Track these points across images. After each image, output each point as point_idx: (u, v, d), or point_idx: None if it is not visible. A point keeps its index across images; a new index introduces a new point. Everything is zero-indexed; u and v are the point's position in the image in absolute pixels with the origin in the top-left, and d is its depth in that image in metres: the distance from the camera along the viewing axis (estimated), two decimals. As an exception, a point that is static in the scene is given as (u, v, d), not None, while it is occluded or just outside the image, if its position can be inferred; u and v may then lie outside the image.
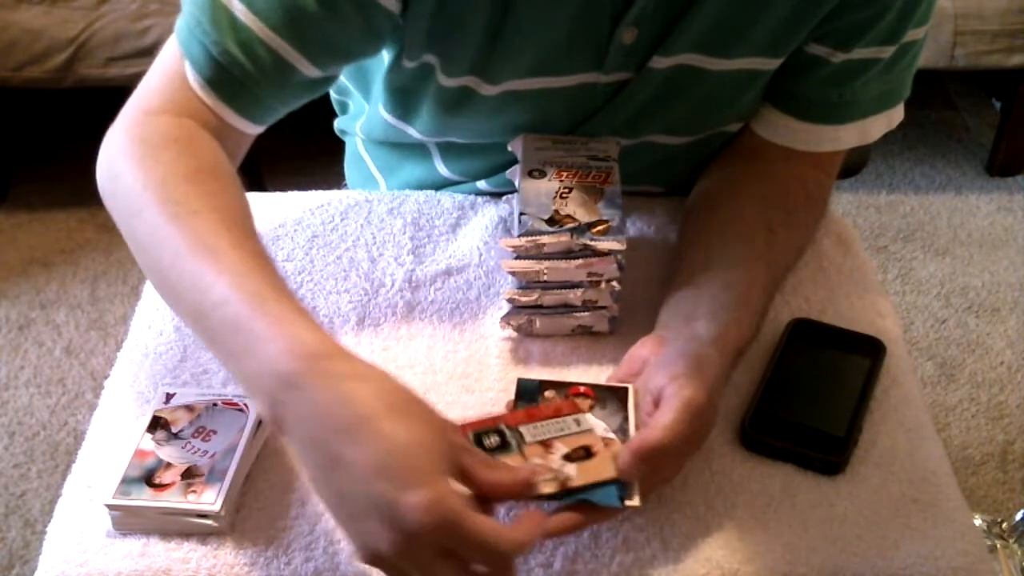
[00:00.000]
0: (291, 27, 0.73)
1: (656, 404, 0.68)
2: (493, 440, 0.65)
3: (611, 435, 0.68)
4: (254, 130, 0.79)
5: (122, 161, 0.73)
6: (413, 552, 0.55)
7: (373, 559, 0.57)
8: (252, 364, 0.60)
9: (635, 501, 0.64)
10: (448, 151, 0.96)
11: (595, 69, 0.82)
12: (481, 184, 0.97)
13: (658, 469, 0.66)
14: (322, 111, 1.08)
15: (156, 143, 0.73)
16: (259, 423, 0.72)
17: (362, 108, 0.99)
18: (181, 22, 0.76)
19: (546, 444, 0.66)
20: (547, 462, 0.65)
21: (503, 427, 0.67)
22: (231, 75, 0.74)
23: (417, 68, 0.82)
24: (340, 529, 0.63)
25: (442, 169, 0.97)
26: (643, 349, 0.74)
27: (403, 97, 0.87)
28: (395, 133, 0.93)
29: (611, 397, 0.71)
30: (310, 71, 0.76)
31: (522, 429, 0.67)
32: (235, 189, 0.73)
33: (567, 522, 0.64)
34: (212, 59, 0.74)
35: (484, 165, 0.95)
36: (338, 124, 1.09)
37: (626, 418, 0.70)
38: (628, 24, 0.78)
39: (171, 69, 0.76)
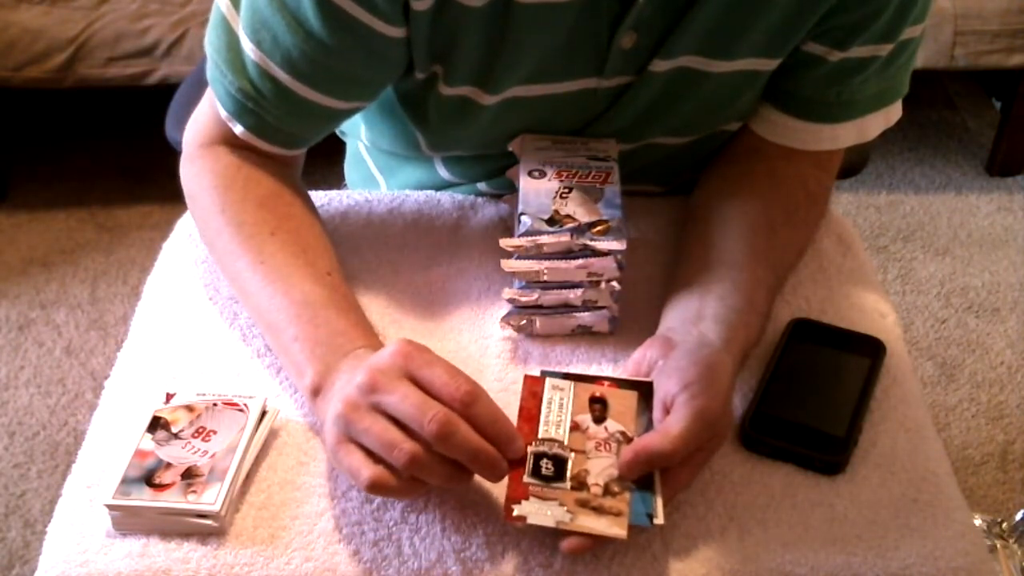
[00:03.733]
0: (297, 66, 0.77)
1: (667, 410, 0.68)
2: (548, 467, 0.67)
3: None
4: (293, 153, 0.87)
5: (195, 183, 0.86)
6: (379, 381, 0.64)
7: (344, 414, 0.65)
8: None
9: (660, 519, 0.65)
10: (448, 164, 0.96)
11: (595, 75, 0.82)
12: (481, 185, 0.97)
13: (674, 477, 0.67)
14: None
15: (223, 173, 0.84)
16: (259, 423, 0.72)
17: (365, 118, 0.99)
18: (208, 63, 0.84)
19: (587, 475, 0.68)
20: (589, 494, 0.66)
21: (565, 454, 0.68)
22: (250, 109, 0.81)
23: (425, 78, 0.82)
24: (327, 436, 0.68)
25: (443, 172, 0.97)
26: (650, 350, 0.74)
27: (410, 104, 0.87)
28: (403, 139, 0.92)
29: (635, 392, 0.72)
30: (329, 102, 0.81)
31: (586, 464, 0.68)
32: (302, 209, 0.84)
33: (588, 543, 0.65)
34: (232, 97, 0.81)
35: (484, 169, 0.95)
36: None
37: (650, 420, 0.70)
38: (627, 29, 0.78)
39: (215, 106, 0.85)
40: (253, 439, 0.71)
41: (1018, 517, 1.37)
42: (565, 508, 0.65)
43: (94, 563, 0.66)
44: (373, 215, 0.93)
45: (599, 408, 0.70)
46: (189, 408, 0.73)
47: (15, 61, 2.03)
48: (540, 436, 0.68)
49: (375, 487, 0.64)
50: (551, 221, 0.78)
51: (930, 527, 0.69)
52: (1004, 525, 1.36)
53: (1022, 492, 1.69)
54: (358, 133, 1.02)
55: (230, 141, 0.85)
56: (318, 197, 0.95)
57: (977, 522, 1.35)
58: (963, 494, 0.72)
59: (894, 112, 0.88)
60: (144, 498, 0.67)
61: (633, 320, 0.82)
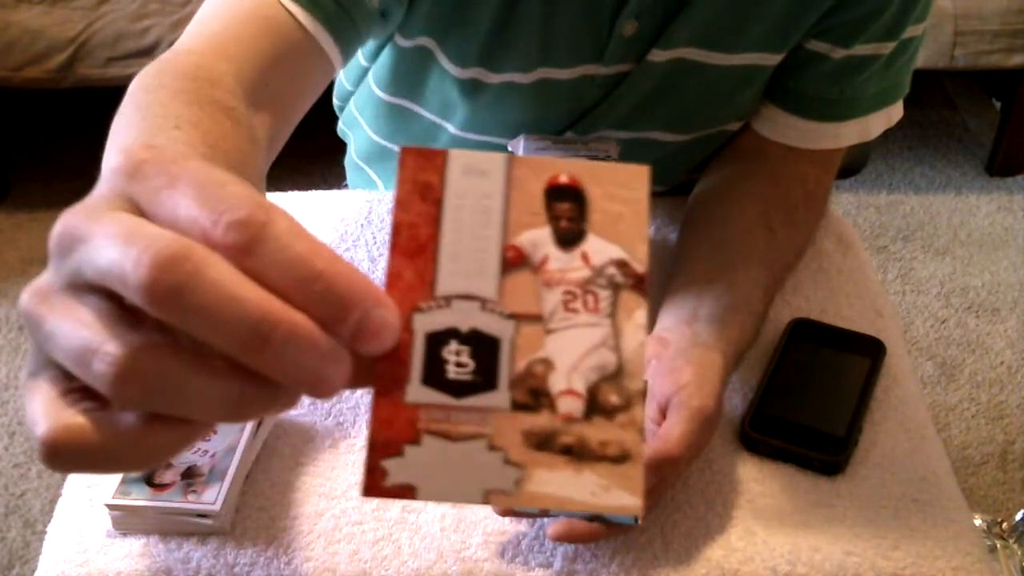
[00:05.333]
0: None
1: (662, 412, 0.68)
2: (459, 361, 0.33)
3: None
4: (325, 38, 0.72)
5: (130, 90, 0.63)
6: (76, 228, 0.32)
7: (27, 314, 0.35)
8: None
9: (640, 516, 0.64)
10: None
11: (595, 61, 0.82)
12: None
13: (665, 478, 0.67)
14: (323, 112, 1.08)
15: (173, 73, 0.64)
16: (259, 423, 0.72)
17: (357, 122, 0.99)
18: None
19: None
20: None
21: (496, 327, 0.33)
22: None
23: (414, 50, 0.81)
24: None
25: None
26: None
27: (403, 78, 0.87)
28: (396, 119, 0.92)
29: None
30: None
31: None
32: (239, 128, 0.61)
33: (576, 533, 0.64)
34: None
35: None
36: (340, 126, 1.09)
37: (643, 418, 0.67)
38: (629, 16, 0.78)
39: (213, 10, 0.71)
40: (253, 439, 0.71)
41: (1018, 517, 1.36)
42: (502, 456, 0.32)
43: (94, 563, 0.66)
44: (373, 215, 0.93)
45: (569, 207, 0.34)
46: (189, 408, 0.73)
47: (15, 61, 2.03)
48: (439, 292, 0.33)
49: (54, 454, 0.32)
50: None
51: (930, 527, 0.69)
52: (1004, 525, 1.36)
53: (1022, 492, 1.69)
54: (361, 127, 1.02)
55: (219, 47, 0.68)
56: (318, 197, 0.95)
57: (977, 522, 1.35)
58: (963, 494, 0.72)
59: (896, 111, 0.88)
60: (144, 498, 0.67)
61: (633, 320, 0.82)
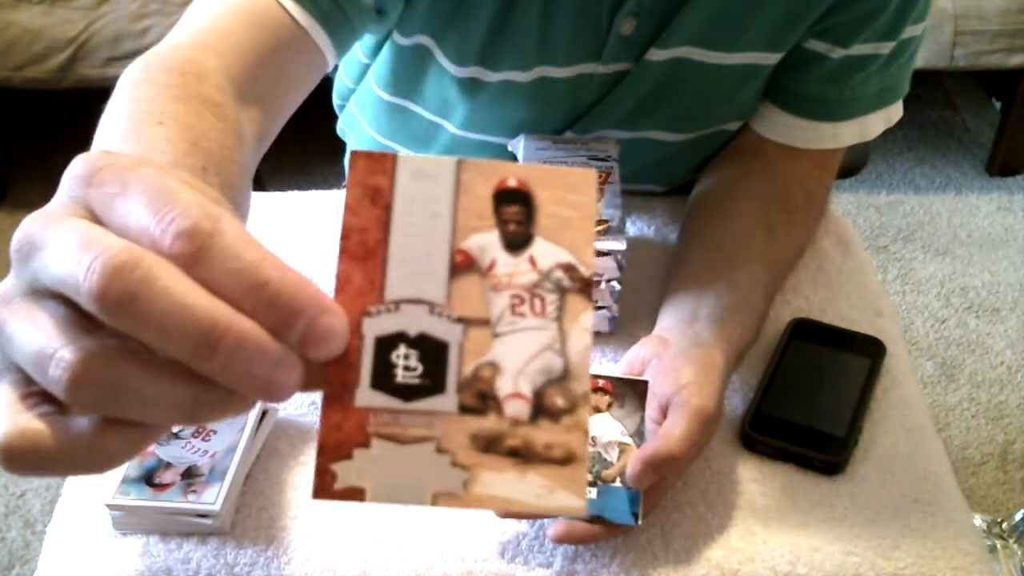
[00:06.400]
0: None
1: (663, 411, 0.68)
2: (408, 365, 0.33)
3: (628, 440, 0.68)
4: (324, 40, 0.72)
5: (118, 85, 0.61)
6: (34, 234, 0.34)
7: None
8: None
9: (640, 518, 0.64)
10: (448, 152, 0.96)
11: (594, 60, 0.82)
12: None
13: (665, 477, 0.67)
14: (323, 111, 1.08)
15: (161, 67, 0.62)
16: (259, 423, 0.72)
17: (357, 121, 0.99)
18: None
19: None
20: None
21: (444, 332, 0.34)
22: None
23: (413, 49, 0.81)
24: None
25: None
26: (644, 350, 0.74)
27: (402, 76, 0.87)
28: (396, 117, 0.92)
29: (630, 392, 0.70)
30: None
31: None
32: (223, 124, 0.59)
33: (577, 534, 0.65)
34: None
35: None
36: (340, 125, 1.09)
37: (643, 419, 0.69)
38: (627, 15, 0.78)
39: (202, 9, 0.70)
40: (253, 439, 0.71)
41: (1018, 517, 1.36)
42: (450, 459, 0.33)
43: (94, 563, 0.66)
44: (373, 215, 0.93)
45: (517, 211, 0.34)
46: (189, 408, 0.73)
47: (15, 61, 2.03)
48: (388, 296, 0.34)
49: (9, 458, 0.32)
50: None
51: (930, 527, 0.69)
52: (1004, 525, 1.36)
53: (1022, 492, 1.69)
54: (361, 126, 1.02)
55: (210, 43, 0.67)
56: (318, 197, 0.95)
57: (977, 522, 1.35)
58: (963, 494, 0.72)
59: (895, 111, 0.88)
60: (144, 498, 0.67)
61: (633, 320, 0.82)
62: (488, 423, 0.33)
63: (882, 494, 0.71)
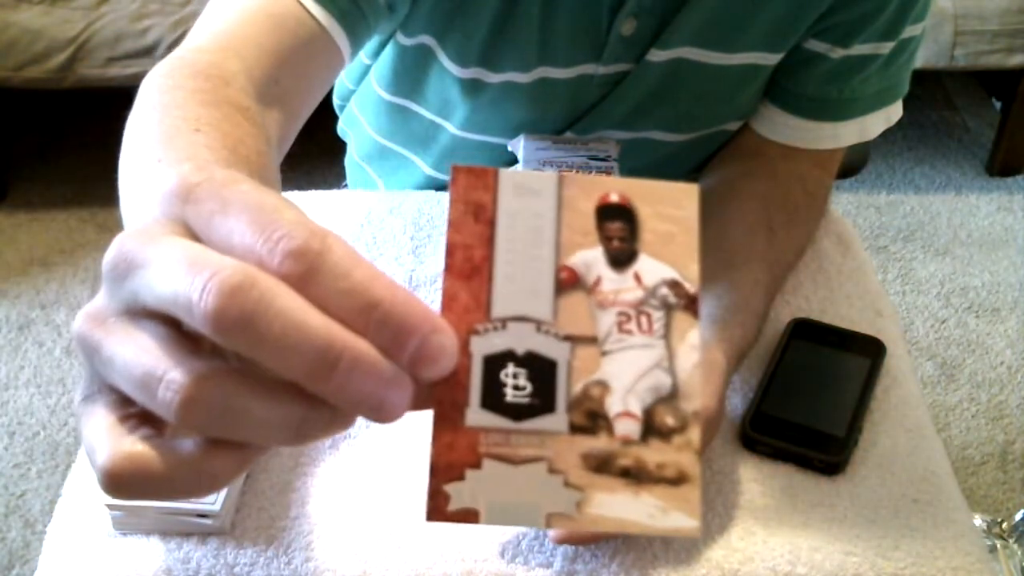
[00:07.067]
0: None
1: None
2: (517, 385, 0.33)
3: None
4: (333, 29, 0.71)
5: (143, 91, 0.61)
6: (132, 251, 0.33)
7: (81, 338, 0.35)
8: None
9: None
10: (443, 160, 0.96)
11: (594, 61, 0.82)
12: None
13: None
14: (323, 112, 1.08)
15: (187, 72, 0.62)
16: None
17: (357, 122, 0.99)
18: None
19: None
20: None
21: (552, 350, 0.33)
22: None
23: (415, 49, 0.82)
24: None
25: (442, 173, 0.97)
26: None
27: (404, 76, 0.87)
28: (397, 117, 0.92)
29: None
30: None
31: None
32: (255, 129, 0.59)
33: (577, 535, 0.65)
34: None
35: None
36: (340, 125, 1.09)
37: None
38: (627, 15, 0.78)
39: (220, 9, 0.70)
40: (253, 439, 0.71)
41: (1018, 517, 1.37)
42: (562, 479, 0.32)
43: (94, 563, 0.66)
44: (373, 215, 0.93)
45: (620, 227, 0.34)
46: (189, 408, 0.73)
47: (15, 61, 2.03)
48: (495, 314, 0.33)
49: (117, 483, 0.32)
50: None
51: (930, 527, 0.69)
52: (1004, 525, 1.36)
53: (1022, 492, 1.69)
54: (362, 126, 1.02)
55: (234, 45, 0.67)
56: (318, 197, 0.95)
57: (977, 522, 1.35)
58: (963, 494, 0.72)
59: (895, 111, 0.88)
60: (144, 498, 0.67)
61: (633, 320, 0.82)
62: (599, 443, 0.32)
63: (882, 494, 0.71)
